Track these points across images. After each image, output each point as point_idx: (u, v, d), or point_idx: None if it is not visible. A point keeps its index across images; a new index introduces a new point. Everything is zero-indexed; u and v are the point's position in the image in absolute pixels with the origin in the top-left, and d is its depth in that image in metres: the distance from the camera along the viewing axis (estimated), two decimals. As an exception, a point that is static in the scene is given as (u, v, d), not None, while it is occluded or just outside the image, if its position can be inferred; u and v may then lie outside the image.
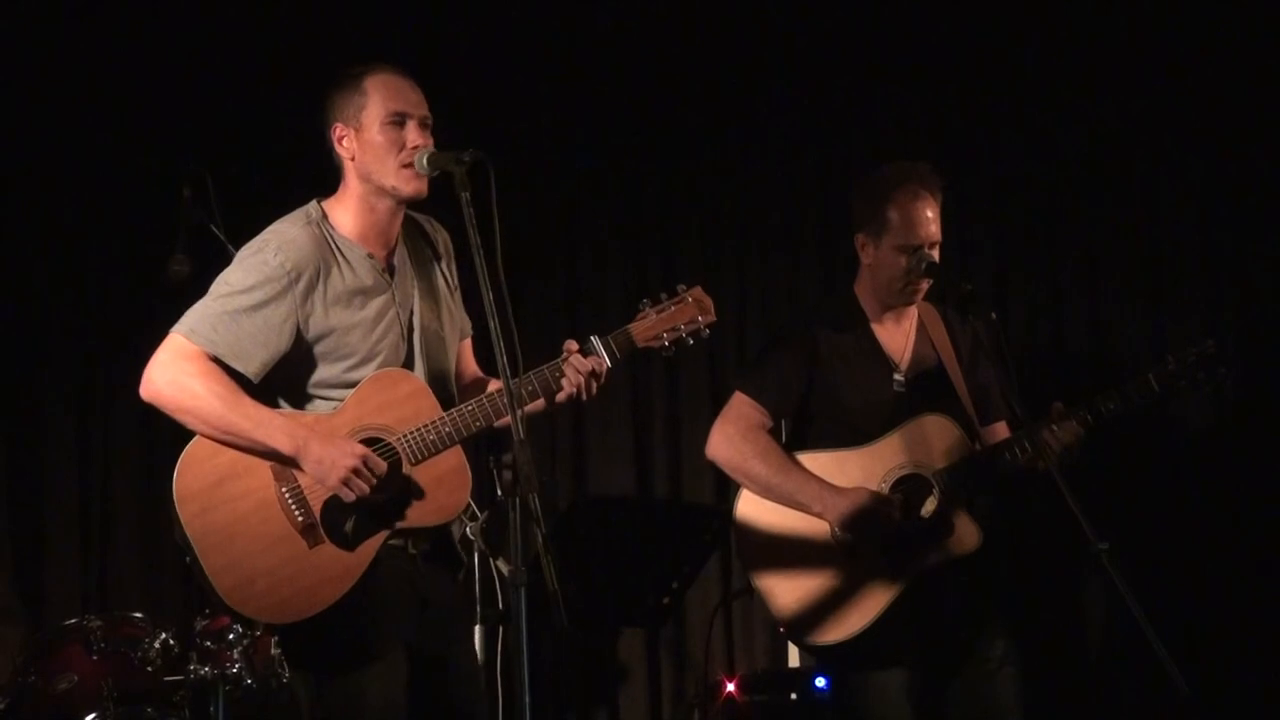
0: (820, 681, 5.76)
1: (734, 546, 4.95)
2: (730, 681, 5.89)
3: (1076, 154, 6.60)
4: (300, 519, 3.89)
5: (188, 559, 3.89)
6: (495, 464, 3.97)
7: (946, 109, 6.60)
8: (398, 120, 4.02)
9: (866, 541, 4.71)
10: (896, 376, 4.87)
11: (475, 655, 4.35)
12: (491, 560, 4.35)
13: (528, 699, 3.61)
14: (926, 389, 4.85)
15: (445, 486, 3.97)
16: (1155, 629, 4.16)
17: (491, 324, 3.70)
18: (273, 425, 3.90)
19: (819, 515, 4.73)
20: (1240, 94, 6.41)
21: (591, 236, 6.83)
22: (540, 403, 4.08)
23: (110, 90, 6.51)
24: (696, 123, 6.77)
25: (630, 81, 6.74)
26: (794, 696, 5.81)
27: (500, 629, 4.62)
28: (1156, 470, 6.28)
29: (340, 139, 4.07)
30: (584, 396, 4.03)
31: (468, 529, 4.19)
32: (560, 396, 4.04)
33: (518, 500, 3.61)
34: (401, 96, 4.04)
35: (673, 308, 4.14)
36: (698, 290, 4.18)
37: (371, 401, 3.97)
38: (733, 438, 4.84)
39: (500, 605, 4.72)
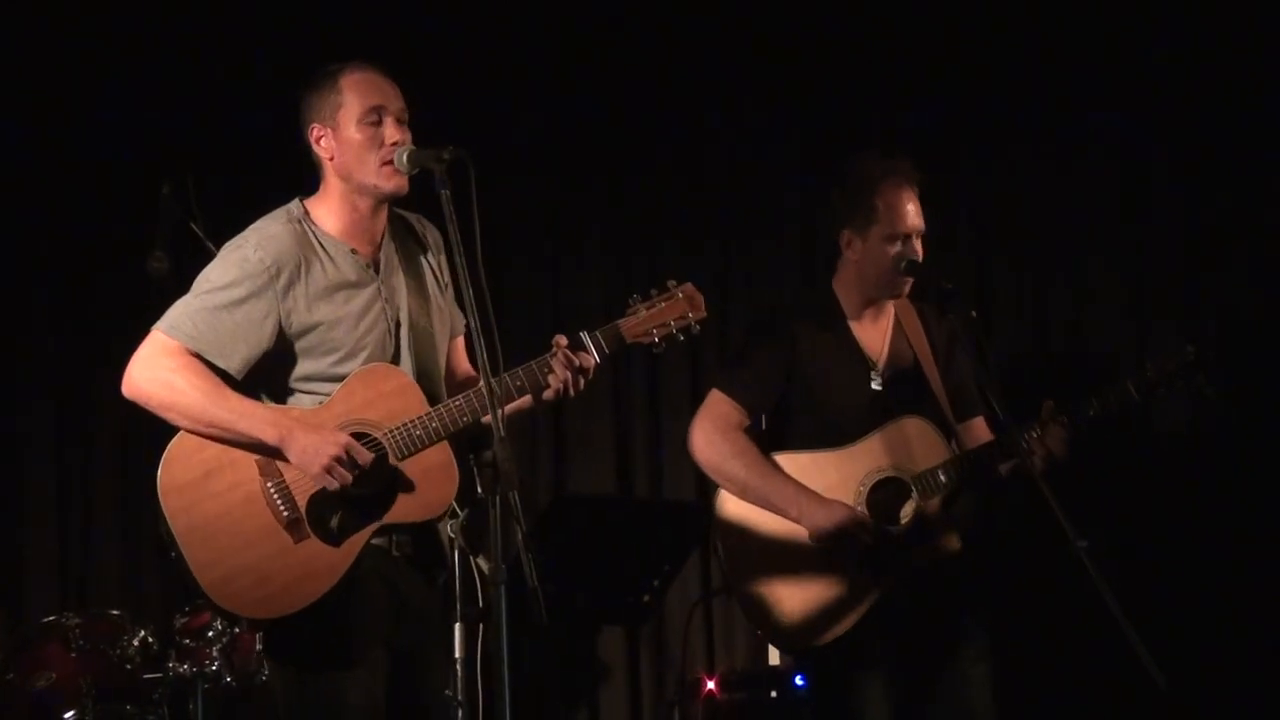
0: (799, 679, 5.77)
1: (714, 547, 4.93)
2: (710, 679, 5.90)
3: (1058, 153, 6.61)
4: (285, 514, 3.88)
5: (172, 554, 3.88)
6: (475, 461, 3.97)
7: (928, 106, 6.60)
8: (374, 117, 4.00)
9: (844, 548, 4.69)
10: (874, 374, 4.85)
11: (452, 655, 4.34)
12: (471, 558, 4.34)
13: (507, 697, 3.61)
14: (903, 388, 4.84)
15: (431, 482, 3.96)
16: (1133, 624, 4.17)
17: (471, 321, 3.70)
18: (256, 416, 3.89)
19: (795, 520, 4.71)
20: (1223, 97, 6.43)
21: (574, 231, 6.84)
22: (527, 401, 4.07)
23: (91, 88, 6.49)
24: (678, 116, 6.77)
25: (612, 75, 6.74)
26: (774, 694, 5.82)
27: (480, 627, 4.62)
28: (1135, 468, 6.29)
29: (318, 139, 4.05)
30: (570, 393, 4.02)
31: (448, 526, 4.18)
32: (547, 394, 4.02)
33: (498, 498, 3.61)
34: (377, 92, 4.02)
35: (662, 304, 4.11)
36: (688, 286, 4.15)
37: (358, 396, 3.96)
38: (712, 437, 4.81)
39: (480, 603, 4.71)
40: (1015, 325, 6.62)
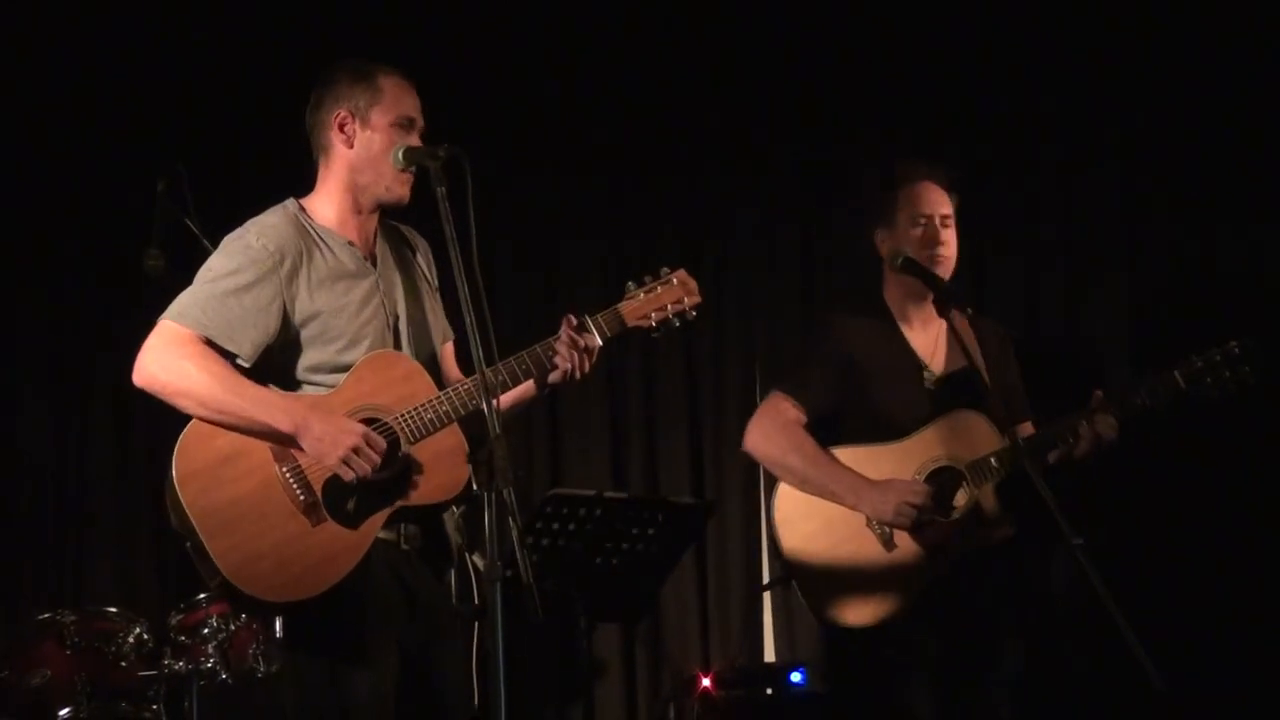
0: (796, 677, 5.78)
1: (772, 534, 5.06)
2: (706, 676, 5.90)
3: (1054, 151, 6.61)
4: (302, 498, 3.89)
5: (188, 544, 3.88)
6: (471, 459, 3.97)
7: (925, 103, 6.60)
8: (407, 125, 4.06)
9: (899, 530, 4.83)
10: (927, 375, 5.00)
11: (466, 656, 4.33)
12: (467, 555, 4.35)
13: (503, 694, 3.61)
14: (956, 389, 4.96)
15: (444, 465, 3.98)
16: (1132, 624, 4.17)
17: (467, 318, 3.71)
18: (271, 404, 3.90)
19: (852, 507, 4.87)
20: (1221, 96, 6.42)
21: (568, 229, 6.83)
22: (530, 392, 4.11)
23: (87, 84, 6.49)
24: (673, 113, 6.76)
25: (608, 69, 6.74)
26: (769, 692, 5.82)
27: (475, 624, 4.62)
28: (1131, 468, 6.27)
29: (341, 123, 4.07)
30: (577, 375, 4.04)
31: (454, 522, 4.18)
32: (554, 375, 4.05)
33: (493, 495, 3.61)
34: (413, 103, 4.10)
35: (659, 289, 4.18)
36: (682, 272, 4.22)
37: (368, 382, 3.98)
38: (769, 432, 4.99)
39: (475, 600, 4.71)
40: (1008, 325, 6.60)
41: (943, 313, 4.89)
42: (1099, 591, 4.19)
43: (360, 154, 4.06)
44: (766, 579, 6.40)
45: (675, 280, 4.20)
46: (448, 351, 4.30)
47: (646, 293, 4.17)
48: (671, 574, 5.61)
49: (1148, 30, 6.47)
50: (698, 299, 4.22)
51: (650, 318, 4.16)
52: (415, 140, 4.07)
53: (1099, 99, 6.54)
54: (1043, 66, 6.55)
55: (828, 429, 5.01)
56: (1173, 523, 6.24)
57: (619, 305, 4.15)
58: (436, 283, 4.27)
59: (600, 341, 4.08)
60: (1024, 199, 6.64)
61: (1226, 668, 6.07)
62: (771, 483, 5.05)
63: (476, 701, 4.25)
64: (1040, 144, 6.61)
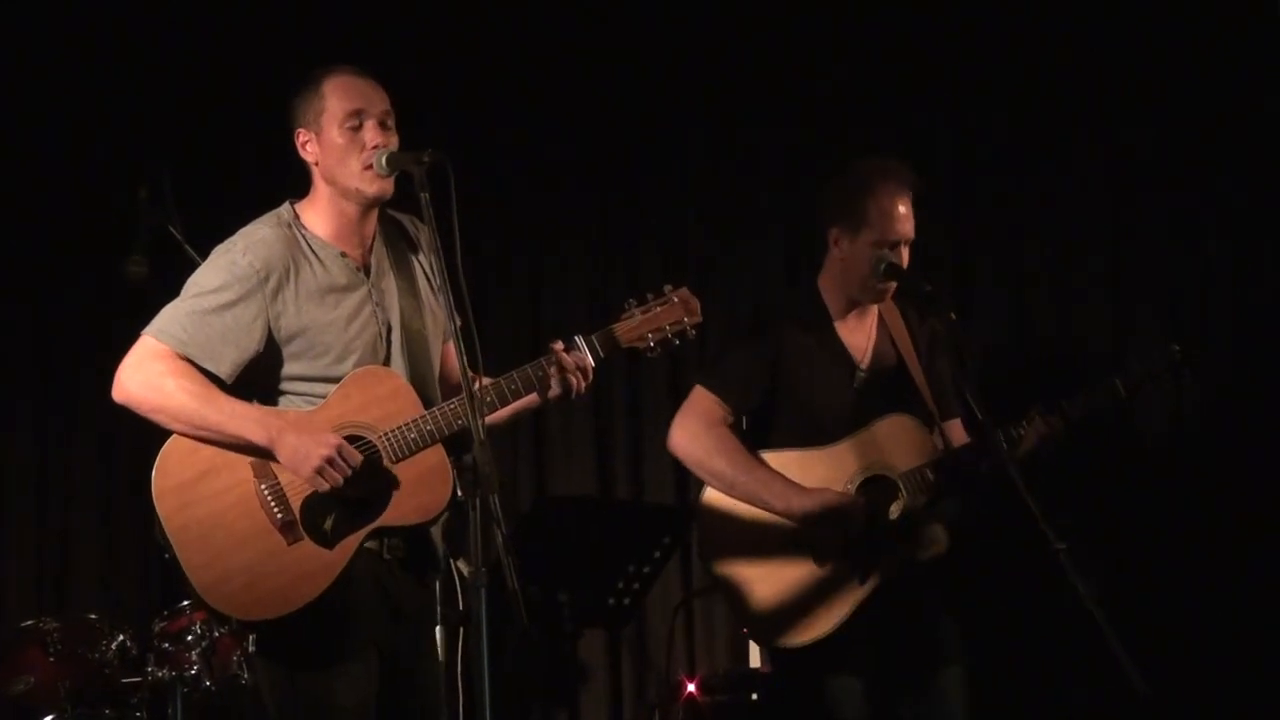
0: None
1: (696, 542, 4.94)
2: (691, 682, 5.90)
3: (1039, 150, 6.62)
4: (279, 516, 3.89)
5: (167, 556, 3.89)
6: (456, 465, 3.97)
7: (909, 106, 6.61)
8: (355, 121, 4.01)
9: (831, 543, 4.70)
10: (859, 374, 4.86)
11: (437, 660, 4.34)
12: (452, 561, 4.35)
13: (488, 700, 3.60)
14: (887, 387, 4.85)
15: (426, 485, 3.96)
16: (1114, 629, 4.17)
17: (451, 324, 3.70)
18: (247, 417, 3.90)
19: (781, 514, 4.70)
20: (1207, 95, 6.43)
21: (554, 233, 6.82)
22: (535, 399, 4.08)
23: (68, 90, 6.48)
24: (659, 121, 6.76)
25: (593, 80, 6.74)
26: (755, 697, 5.82)
27: (461, 630, 4.62)
28: (1118, 469, 6.30)
29: (304, 144, 4.07)
30: (572, 395, 4.04)
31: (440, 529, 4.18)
32: (552, 394, 4.04)
33: (478, 501, 3.60)
34: (358, 95, 4.03)
35: (658, 308, 4.14)
36: (684, 291, 4.17)
37: (354, 399, 3.97)
38: (695, 433, 4.80)
39: (461, 606, 4.71)
40: (995, 326, 6.62)
41: (924, 314, 4.87)
42: (1081, 595, 4.19)
43: (325, 165, 4.04)
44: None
45: (676, 299, 4.15)
46: (449, 349, 4.24)
47: (644, 312, 4.13)
48: (657, 579, 5.60)
49: (1136, 29, 6.48)
50: (699, 318, 4.16)
51: (648, 338, 4.12)
52: (372, 130, 4.00)
53: (1091, 104, 6.56)
54: (1036, 68, 6.57)
55: (755, 428, 4.88)
56: (1157, 523, 6.25)
57: (614, 325, 4.12)
58: (439, 278, 4.11)
59: (593, 362, 4.06)
60: (1012, 202, 6.65)
61: (1209, 670, 6.08)
62: (697, 487, 4.89)
63: (461, 708, 4.25)
64: (1033, 148, 6.63)
